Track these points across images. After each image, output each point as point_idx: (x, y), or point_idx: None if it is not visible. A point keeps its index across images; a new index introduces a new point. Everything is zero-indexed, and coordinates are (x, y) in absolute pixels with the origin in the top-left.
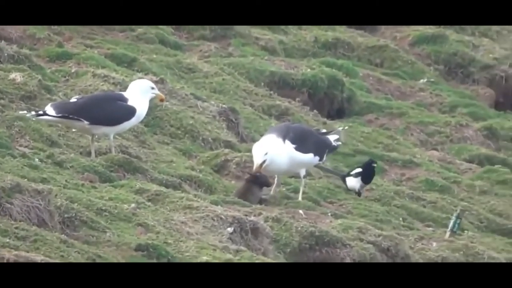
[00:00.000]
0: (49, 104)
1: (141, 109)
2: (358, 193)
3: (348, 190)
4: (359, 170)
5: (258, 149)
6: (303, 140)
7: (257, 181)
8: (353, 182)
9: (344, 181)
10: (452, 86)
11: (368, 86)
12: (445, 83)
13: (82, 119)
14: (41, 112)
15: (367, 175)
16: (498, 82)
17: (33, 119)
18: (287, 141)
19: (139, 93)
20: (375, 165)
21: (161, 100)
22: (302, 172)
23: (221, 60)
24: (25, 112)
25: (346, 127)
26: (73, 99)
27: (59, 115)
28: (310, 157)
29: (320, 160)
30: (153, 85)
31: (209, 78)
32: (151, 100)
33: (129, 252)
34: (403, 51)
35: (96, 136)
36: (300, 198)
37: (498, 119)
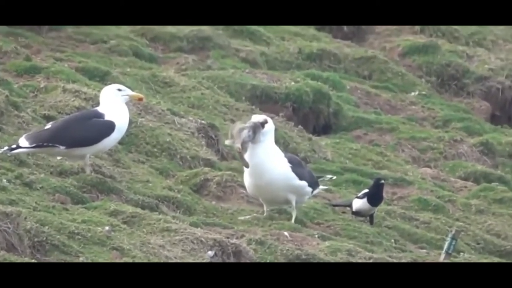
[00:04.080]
0: (23, 136)
1: (121, 121)
2: (370, 220)
3: (355, 216)
4: (366, 190)
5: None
6: (299, 166)
7: None
8: (358, 203)
9: (351, 206)
10: (445, 99)
11: (356, 99)
12: (438, 96)
13: (57, 145)
14: (14, 146)
15: (373, 196)
16: (494, 94)
17: (8, 154)
18: (285, 158)
19: (112, 102)
20: (383, 182)
21: (140, 100)
22: (293, 200)
23: (199, 73)
24: None
25: (335, 177)
26: (47, 126)
27: (33, 145)
28: (304, 184)
29: (312, 192)
30: (120, 86)
31: (186, 93)
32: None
33: None
34: (392, 62)
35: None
36: (293, 221)
37: (494, 133)
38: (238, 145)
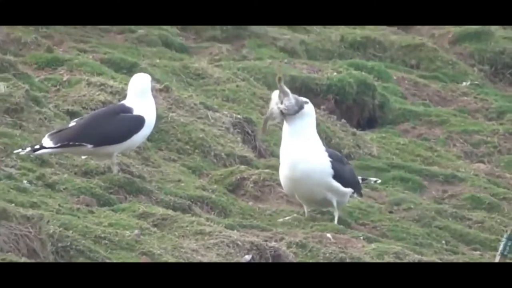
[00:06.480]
0: (46, 135)
1: (150, 115)
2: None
3: None
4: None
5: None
6: (340, 162)
7: None
8: None
9: None
10: (499, 89)
11: (403, 91)
12: (492, 86)
13: (84, 144)
14: (37, 147)
15: None
16: None
17: (31, 155)
18: (325, 152)
19: (141, 95)
20: None
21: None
22: (333, 200)
23: (234, 64)
24: (20, 149)
25: (379, 180)
26: (72, 123)
27: (58, 144)
28: (341, 186)
29: (353, 193)
30: (150, 77)
31: (220, 85)
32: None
33: None
34: (442, 50)
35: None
36: (336, 222)
37: None
38: (281, 106)
